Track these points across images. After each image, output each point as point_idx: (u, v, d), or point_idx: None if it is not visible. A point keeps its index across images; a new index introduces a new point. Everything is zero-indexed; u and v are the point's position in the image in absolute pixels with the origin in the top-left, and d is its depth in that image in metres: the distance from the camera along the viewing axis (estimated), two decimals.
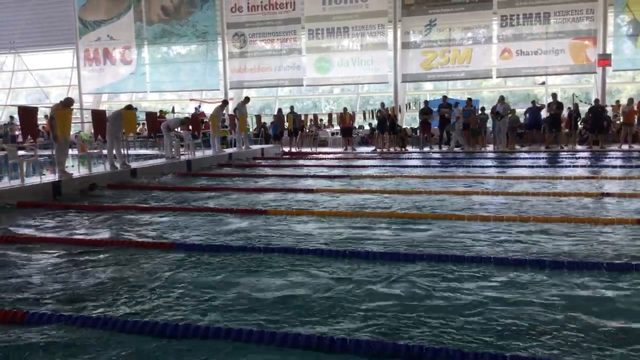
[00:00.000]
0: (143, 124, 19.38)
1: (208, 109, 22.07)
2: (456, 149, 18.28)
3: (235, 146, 18.00)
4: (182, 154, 14.86)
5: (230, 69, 25.29)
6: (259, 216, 7.32)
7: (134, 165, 12.46)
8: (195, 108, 23.17)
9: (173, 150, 14.32)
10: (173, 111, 21.41)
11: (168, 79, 26.33)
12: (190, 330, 3.38)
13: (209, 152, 16.13)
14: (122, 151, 12.09)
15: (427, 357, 2.99)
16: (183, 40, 26.03)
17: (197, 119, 16.59)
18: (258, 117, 20.81)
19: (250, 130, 20.26)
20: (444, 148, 18.92)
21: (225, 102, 17.46)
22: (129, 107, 12.49)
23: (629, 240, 5.59)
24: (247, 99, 18.61)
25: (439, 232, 6.10)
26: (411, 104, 23.28)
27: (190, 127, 16.29)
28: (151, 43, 26.33)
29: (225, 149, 17.29)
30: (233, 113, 18.12)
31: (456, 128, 18.35)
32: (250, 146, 18.50)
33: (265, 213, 7.51)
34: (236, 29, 24.97)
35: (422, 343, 3.17)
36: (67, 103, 10.26)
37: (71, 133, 12.44)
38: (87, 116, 20.80)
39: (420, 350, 3.04)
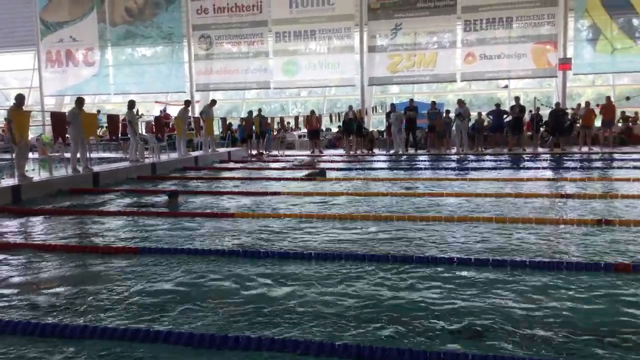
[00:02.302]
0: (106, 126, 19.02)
1: (174, 112, 21.82)
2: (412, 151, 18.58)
3: (201, 149, 17.84)
4: (147, 157, 14.65)
5: (196, 71, 25.08)
6: (226, 219, 7.28)
7: (96, 168, 12.23)
8: (161, 111, 22.90)
9: (137, 153, 14.11)
10: (138, 113, 21.06)
11: (132, 81, 25.94)
12: (141, 334, 3.36)
13: (174, 155, 15.95)
14: (86, 154, 11.85)
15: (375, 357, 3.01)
16: (148, 41, 25.70)
17: (161, 121, 16.38)
18: (224, 119, 20.65)
19: (217, 133, 20.08)
20: (411, 150, 19.15)
21: (188, 103, 17.19)
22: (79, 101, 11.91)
23: (588, 240, 5.74)
24: (213, 102, 18.49)
25: (396, 233, 6.16)
26: (378, 107, 23.49)
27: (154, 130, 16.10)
28: (115, 44, 25.94)
29: (191, 152, 17.12)
30: (199, 116, 17.96)
31: (393, 131, 18.73)
32: (217, 149, 18.36)
33: (232, 216, 7.47)
34: (202, 30, 24.78)
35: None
36: (19, 100, 9.91)
37: (33, 136, 12.15)
38: (49, 119, 20.30)
39: (359, 349, 3.06)
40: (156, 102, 25.39)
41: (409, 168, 14.06)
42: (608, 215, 6.93)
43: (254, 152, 20.14)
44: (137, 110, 16.80)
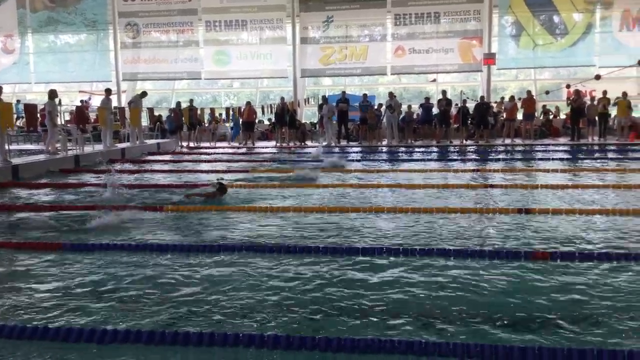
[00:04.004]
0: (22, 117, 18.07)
1: (99, 102, 20.99)
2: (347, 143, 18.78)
3: (129, 141, 17.27)
4: (70, 149, 14.01)
5: (122, 60, 24.22)
6: (155, 213, 7.08)
7: (15, 161, 11.60)
8: (82, 100, 21.96)
9: (59, 145, 13.47)
10: (60, 104, 20.12)
11: (55, 70, 24.77)
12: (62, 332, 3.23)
13: (99, 147, 15.34)
14: (4, 146, 11.20)
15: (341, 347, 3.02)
16: (71, 28, 24.65)
17: (82, 111, 15.63)
18: (150, 110, 19.95)
19: (145, 124, 19.43)
20: (343, 142, 19.33)
21: (109, 92, 16.41)
22: None
23: (510, 229, 5.97)
24: (144, 93, 17.93)
25: (325, 225, 6.21)
26: (310, 99, 23.54)
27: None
28: (36, 31, 24.75)
29: (117, 144, 16.53)
30: (127, 106, 17.35)
31: (325, 124, 18.93)
32: (145, 141, 17.83)
33: (160, 210, 7.28)
34: (128, 18, 23.98)
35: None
36: None
37: None
38: None
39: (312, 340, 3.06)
40: (80, 91, 24.36)
41: (359, 160, 14.15)
42: (528, 205, 7.25)
43: (185, 143, 19.72)
44: (60, 101, 16.05)
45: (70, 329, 3.27)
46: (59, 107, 14.14)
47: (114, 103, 19.49)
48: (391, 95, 18.95)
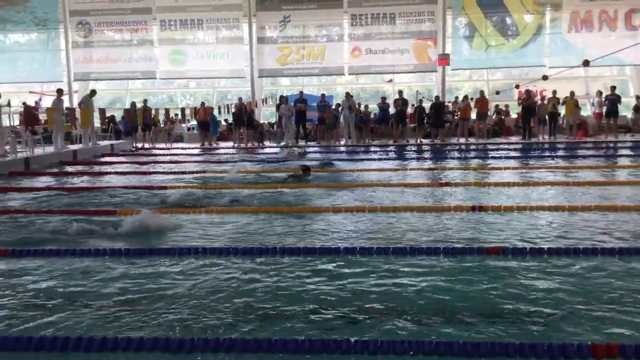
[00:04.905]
0: None
1: (50, 102, 20.39)
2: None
3: (81, 142, 16.82)
4: (19, 151, 13.56)
5: (74, 59, 23.62)
6: (108, 217, 6.91)
7: None
8: (36, 102, 21.32)
9: (8, 147, 13.02)
10: (9, 104, 19.45)
11: (4, 70, 23.93)
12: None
13: (50, 149, 14.89)
14: None
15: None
16: (20, 27, 23.95)
17: (31, 112, 15.15)
18: (102, 110, 19.44)
19: (97, 125, 18.95)
20: (301, 142, 19.34)
21: (60, 92, 15.95)
22: None
23: (463, 225, 6.10)
24: (93, 92, 17.46)
25: (283, 227, 6.20)
26: (268, 99, 23.45)
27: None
28: None
29: (69, 146, 16.08)
30: (78, 107, 16.90)
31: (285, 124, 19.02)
32: (98, 142, 17.42)
33: (114, 213, 7.11)
34: (80, 16, 23.43)
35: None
36: None
37: None
38: None
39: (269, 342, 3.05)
40: (31, 92, 23.59)
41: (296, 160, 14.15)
42: (481, 202, 7.41)
43: (140, 144, 19.35)
44: (9, 101, 15.54)
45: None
46: (8, 108, 13.68)
47: (66, 104, 18.94)
48: (348, 95, 19.07)
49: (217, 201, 7.79)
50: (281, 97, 20.02)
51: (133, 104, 19.96)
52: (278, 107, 19.72)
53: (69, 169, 13.05)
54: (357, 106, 19.23)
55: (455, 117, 19.97)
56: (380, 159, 13.84)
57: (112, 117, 20.38)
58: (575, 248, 4.97)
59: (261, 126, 20.82)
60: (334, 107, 19.99)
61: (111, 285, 4.25)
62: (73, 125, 17.41)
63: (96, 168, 13.23)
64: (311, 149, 17.33)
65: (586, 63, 11.71)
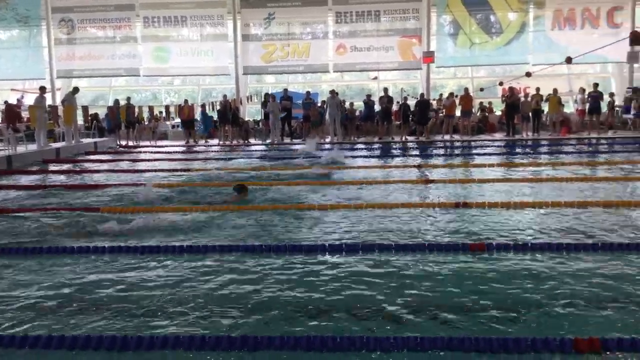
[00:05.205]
0: None
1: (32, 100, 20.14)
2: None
3: (64, 140, 16.64)
4: (1, 149, 13.38)
5: (57, 56, 23.34)
6: (92, 214, 6.86)
7: None
8: (18, 99, 21.04)
9: None
10: None
11: None
12: None
13: (33, 147, 14.71)
14: None
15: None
16: (2, 24, 23.54)
17: (12, 109, 14.93)
18: (85, 108, 19.18)
19: (80, 122, 18.74)
20: (287, 140, 19.31)
21: (43, 89, 15.74)
22: None
23: (447, 222, 6.13)
24: (76, 89, 17.24)
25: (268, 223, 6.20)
26: (253, 97, 23.34)
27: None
28: None
29: (51, 144, 15.90)
30: (61, 104, 16.70)
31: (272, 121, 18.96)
32: (81, 140, 17.24)
33: (97, 210, 7.06)
34: (63, 13, 23.13)
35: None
36: None
37: None
38: None
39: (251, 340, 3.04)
40: (12, 89, 23.28)
41: (281, 158, 14.13)
42: (465, 199, 7.45)
43: (124, 142, 19.19)
44: None
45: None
46: None
47: (49, 101, 18.70)
48: (332, 93, 19.04)
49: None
50: (267, 94, 19.93)
51: (116, 101, 19.75)
52: (264, 104, 19.64)
53: (52, 167, 12.90)
54: (342, 104, 19.22)
55: (440, 115, 20.03)
56: (365, 156, 13.84)
57: (96, 114, 20.16)
58: (559, 244, 5.02)
59: (246, 124, 20.74)
60: (319, 104, 19.97)
61: (94, 283, 4.23)
62: (56, 122, 17.21)
63: (79, 166, 13.10)
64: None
65: (569, 60, 11.85)
